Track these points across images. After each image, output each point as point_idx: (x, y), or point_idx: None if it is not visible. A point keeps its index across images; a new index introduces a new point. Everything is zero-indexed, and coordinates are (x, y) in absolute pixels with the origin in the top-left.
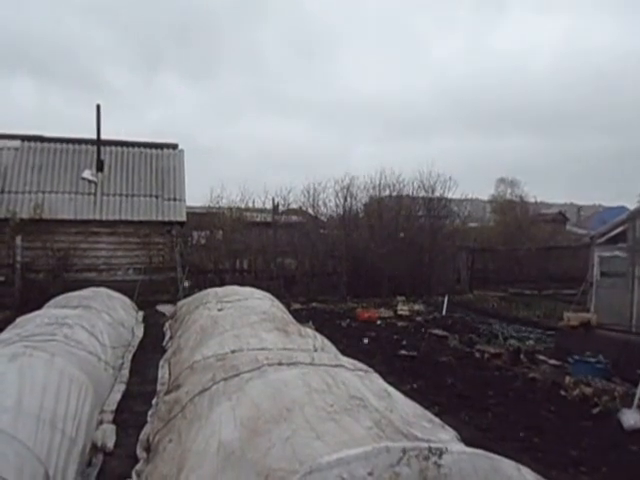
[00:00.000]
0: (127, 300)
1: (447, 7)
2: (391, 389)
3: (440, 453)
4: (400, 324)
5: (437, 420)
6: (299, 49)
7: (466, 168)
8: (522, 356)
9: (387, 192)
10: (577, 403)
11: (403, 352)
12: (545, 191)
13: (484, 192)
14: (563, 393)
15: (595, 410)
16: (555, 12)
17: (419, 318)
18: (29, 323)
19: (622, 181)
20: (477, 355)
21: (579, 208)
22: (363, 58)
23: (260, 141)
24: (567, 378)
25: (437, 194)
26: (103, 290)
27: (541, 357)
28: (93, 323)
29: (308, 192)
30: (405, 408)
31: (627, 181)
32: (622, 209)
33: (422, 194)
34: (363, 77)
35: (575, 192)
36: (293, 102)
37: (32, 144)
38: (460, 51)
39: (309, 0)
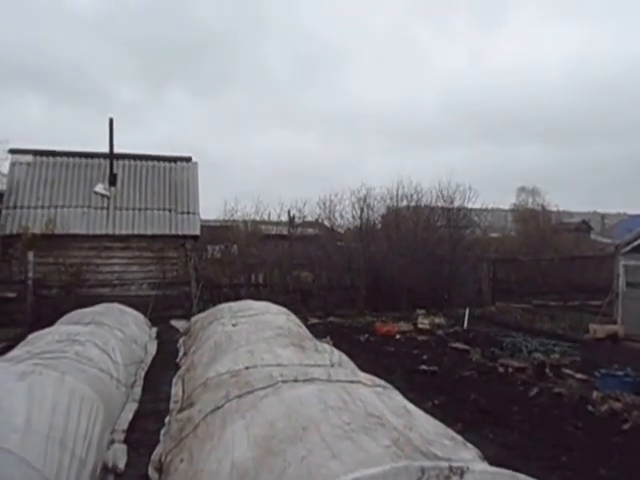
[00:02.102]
0: (140, 316)
1: (449, 19)
2: (410, 406)
3: (461, 472)
4: (420, 338)
5: (459, 438)
6: (304, 63)
7: (483, 177)
8: (547, 370)
9: (404, 202)
10: (606, 419)
11: (424, 367)
12: (567, 200)
13: (505, 201)
14: (591, 408)
15: (625, 426)
16: (564, 20)
17: (440, 332)
18: (40, 340)
19: None
20: (500, 370)
21: (603, 216)
22: (368, 71)
23: (271, 153)
24: (595, 393)
25: (456, 204)
26: (116, 306)
27: (567, 371)
28: (105, 340)
29: (324, 204)
30: (425, 425)
31: None
32: None
33: (441, 204)
34: (369, 89)
35: (598, 200)
36: (301, 114)
37: (44, 159)
38: (466, 62)
39: (311, 16)
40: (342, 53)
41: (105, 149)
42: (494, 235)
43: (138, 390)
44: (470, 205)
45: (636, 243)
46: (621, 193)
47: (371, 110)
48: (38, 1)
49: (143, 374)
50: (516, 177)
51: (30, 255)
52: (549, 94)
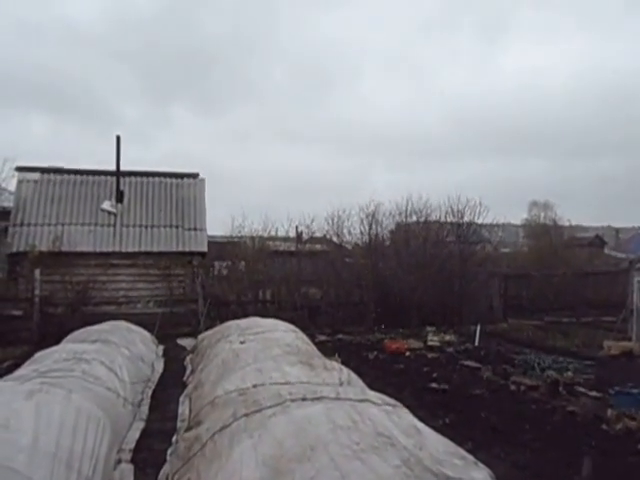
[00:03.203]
0: (147, 334)
1: (451, 35)
2: (420, 425)
3: None
4: (430, 355)
5: (470, 457)
6: (308, 80)
7: (492, 193)
8: (560, 388)
9: (414, 218)
10: (621, 438)
11: (434, 385)
12: (580, 214)
13: (517, 216)
14: (605, 427)
15: None
16: (567, 35)
17: (450, 349)
18: (47, 358)
19: None
20: (512, 387)
21: (617, 230)
22: (371, 88)
23: (276, 169)
24: (609, 411)
25: (466, 219)
26: (122, 324)
27: (581, 389)
28: (112, 358)
29: (332, 220)
30: (435, 445)
31: None
32: None
33: (451, 219)
34: (373, 105)
35: (612, 214)
36: (305, 130)
37: (51, 176)
38: (470, 79)
39: (313, 34)
40: (345, 70)
41: (110, 166)
42: (505, 250)
43: (145, 409)
44: (480, 220)
45: None
46: (635, 207)
47: (376, 126)
48: (43, 19)
49: (150, 392)
50: (526, 192)
51: (37, 273)
52: (555, 108)
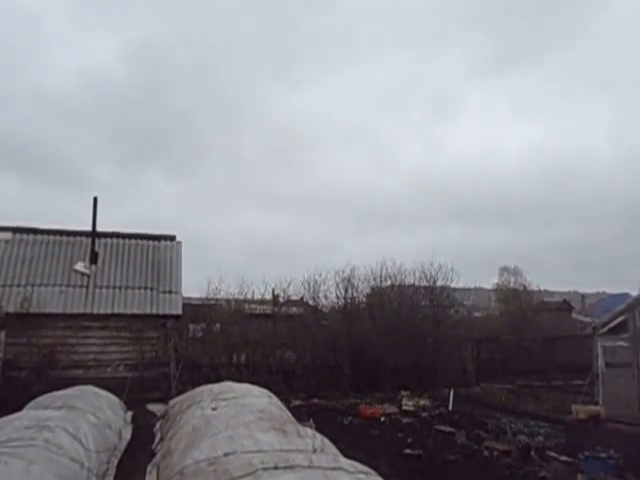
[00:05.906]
0: (115, 399)
1: (406, 111)
2: None
3: None
4: (405, 420)
5: None
6: (274, 149)
7: (464, 258)
8: (532, 453)
9: (389, 282)
10: None
11: (408, 451)
12: (546, 280)
13: (488, 281)
14: None
15: None
16: (517, 113)
17: (425, 414)
18: (7, 426)
19: (625, 267)
20: (486, 453)
21: (583, 296)
22: (336, 158)
23: (252, 233)
24: (579, 476)
25: (439, 284)
26: (90, 389)
27: (552, 454)
28: (77, 425)
29: (308, 283)
30: None
31: (630, 267)
32: (625, 296)
33: (424, 284)
34: (339, 174)
35: (578, 281)
36: (275, 196)
37: (24, 236)
38: (429, 151)
39: (279, 108)
40: (310, 142)
41: (82, 227)
42: (477, 314)
43: None
44: (453, 285)
45: (612, 325)
46: (599, 274)
47: (347, 192)
48: (17, 88)
49: (116, 462)
50: (496, 258)
51: (2, 335)
52: (513, 180)
